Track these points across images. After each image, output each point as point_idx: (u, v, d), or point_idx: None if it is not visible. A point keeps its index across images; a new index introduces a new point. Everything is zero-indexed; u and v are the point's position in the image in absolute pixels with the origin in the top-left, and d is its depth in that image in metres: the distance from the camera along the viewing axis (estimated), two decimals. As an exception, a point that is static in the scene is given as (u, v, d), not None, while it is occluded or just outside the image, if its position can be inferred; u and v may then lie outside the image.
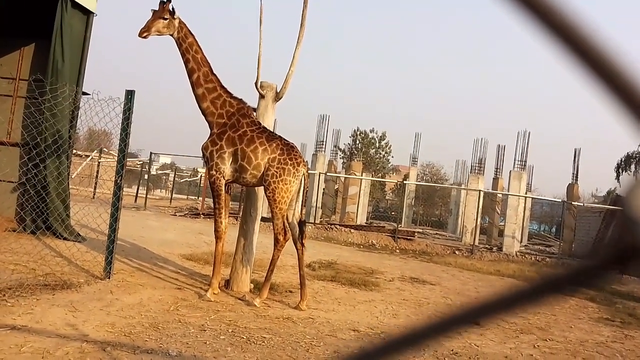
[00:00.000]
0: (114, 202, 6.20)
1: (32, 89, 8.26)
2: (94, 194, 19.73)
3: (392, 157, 37.30)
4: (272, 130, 6.62)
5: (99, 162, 21.87)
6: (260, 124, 6.28)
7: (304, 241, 6.23)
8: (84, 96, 8.40)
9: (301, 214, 6.37)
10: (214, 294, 5.81)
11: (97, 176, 20.69)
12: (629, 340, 6.28)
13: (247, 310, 5.50)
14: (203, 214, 18.42)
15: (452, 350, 4.87)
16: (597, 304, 8.85)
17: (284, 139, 6.18)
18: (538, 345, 5.48)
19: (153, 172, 25.01)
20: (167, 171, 39.23)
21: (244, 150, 5.97)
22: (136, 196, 22.78)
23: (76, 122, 8.68)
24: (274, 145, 6.02)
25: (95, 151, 22.64)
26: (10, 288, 4.90)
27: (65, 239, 8.24)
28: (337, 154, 25.94)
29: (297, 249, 6.19)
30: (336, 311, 6.00)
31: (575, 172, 19.02)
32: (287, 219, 6.16)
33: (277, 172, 5.92)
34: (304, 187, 6.20)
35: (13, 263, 6.11)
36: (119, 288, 5.66)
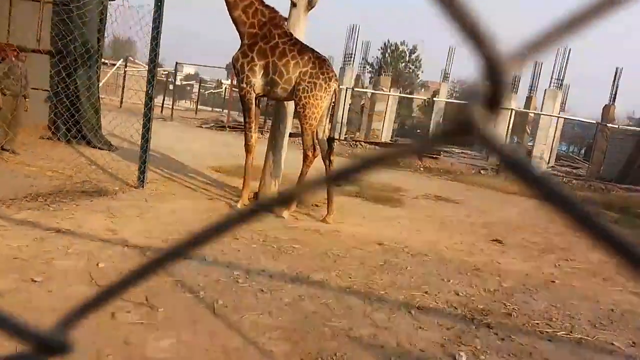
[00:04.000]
0: (145, 113, 6.26)
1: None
2: (121, 103, 19.91)
3: (422, 72, 36.17)
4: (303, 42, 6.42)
5: (125, 71, 21.81)
6: (292, 35, 6.08)
7: (331, 157, 6.26)
8: (112, 2, 8.21)
9: (330, 130, 6.34)
10: (243, 205, 5.99)
11: (123, 85, 20.72)
12: (651, 263, 6.34)
13: (275, 222, 5.68)
14: (229, 126, 18.52)
15: (475, 266, 5.01)
16: (621, 226, 8.78)
17: (316, 52, 6.01)
18: (559, 265, 5.59)
19: (177, 82, 24.88)
20: (191, 82, 39.01)
21: (275, 63, 5.84)
22: (162, 107, 22.88)
23: (104, 29, 8.57)
24: (306, 58, 5.86)
25: (122, 60, 22.50)
26: (51, 194, 5.14)
27: (97, 147, 8.48)
28: (364, 67, 25.24)
29: (325, 165, 6.24)
30: (361, 225, 6.14)
31: (613, 93, 18.23)
32: (317, 136, 6.15)
33: (308, 87, 5.82)
34: (335, 103, 6.12)
35: (50, 170, 6.35)
36: (152, 196, 5.88)
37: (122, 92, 20.22)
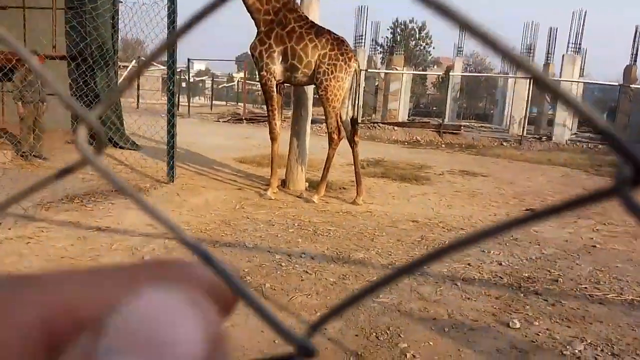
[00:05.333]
0: (169, 109, 6.30)
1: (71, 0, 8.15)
2: (138, 104, 20.07)
3: (433, 48, 35.71)
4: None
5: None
6: (307, 18, 6.03)
7: (356, 139, 6.22)
8: (122, 2, 8.24)
9: (354, 111, 6.30)
10: (273, 192, 6.01)
11: (138, 86, 20.87)
12: (691, 221, 6.20)
13: (307, 207, 5.69)
14: (245, 119, 18.57)
15: (512, 236, 4.95)
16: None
17: (333, 33, 5.95)
18: (597, 229, 5.50)
19: (191, 79, 24.98)
20: (203, 78, 39.10)
21: (293, 48, 5.80)
22: (178, 104, 22.98)
23: (117, 29, 8.60)
24: (324, 40, 5.81)
25: (134, 61, 22.65)
26: (86, 194, 5.22)
27: (122, 147, 8.57)
28: (375, 49, 24.99)
29: (351, 147, 6.21)
30: (392, 204, 6.12)
31: (634, 53, 17.73)
32: (340, 118, 6.12)
33: (328, 69, 5.78)
34: (356, 84, 6.07)
35: (81, 172, 6.43)
36: (183, 190, 5.93)
37: (138, 92, 20.37)
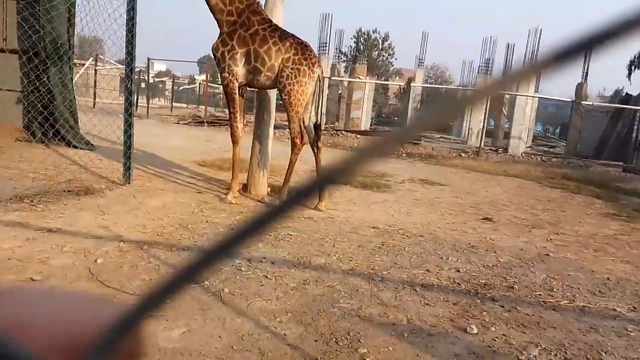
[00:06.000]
0: (126, 107, 6.10)
1: (23, -11, 7.80)
2: (94, 103, 19.45)
3: (395, 59, 36.35)
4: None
5: (95, 70, 21.28)
6: (271, 21, 5.98)
7: (319, 144, 6.21)
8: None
9: (317, 117, 6.29)
10: (234, 197, 5.91)
11: (95, 85, 20.22)
12: (635, 232, 6.50)
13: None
14: (207, 121, 18.29)
15: (469, 244, 5.05)
16: (603, 201, 9.05)
17: (297, 38, 5.93)
18: (550, 239, 5.67)
19: (150, 79, 24.42)
20: (164, 78, 38.32)
21: (257, 50, 5.75)
22: (136, 104, 22.40)
23: (74, 24, 8.29)
24: (288, 44, 5.78)
25: (91, 59, 21.97)
26: (37, 194, 4.97)
27: (75, 147, 8.25)
28: (339, 57, 25.20)
29: (314, 152, 6.19)
30: (353, 211, 6.13)
31: (585, 71, 18.58)
32: (304, 123, 6.09)
33: (292, 74, 5.75)
34: (319, 89, 6.07)
35: (32, 171, 6.15)
36: (140, 192, 5.75)
37: (95, 91, 19.74)
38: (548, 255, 4.93)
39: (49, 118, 7.76)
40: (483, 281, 3.87)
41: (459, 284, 3.75)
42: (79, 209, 4.70)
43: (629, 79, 21.73)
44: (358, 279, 3.64)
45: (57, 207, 4.66)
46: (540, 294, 3.70)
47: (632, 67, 21.48)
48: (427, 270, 4.00)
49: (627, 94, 21.36)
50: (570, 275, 4.27)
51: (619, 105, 19.40)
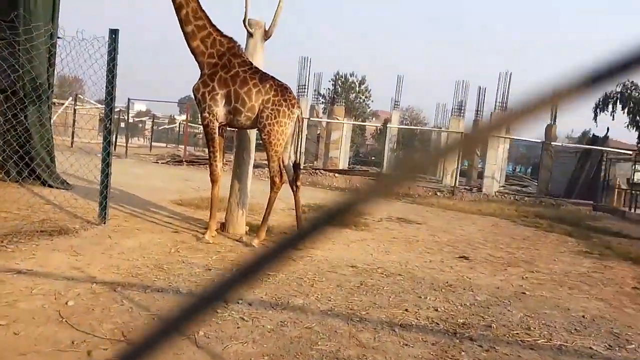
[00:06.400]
0: (104, 147, 6.08)
1: (2, 29, 7.81)
2: (72, 143, 19.25)
3: (372, 101, 37.16)
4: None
5: (74, 110, 21.17)
6: (252, 63, 6.12)
7: (298, 183, 6.25)
8: (64, 38, 7.98)
9: (296, 156, 6.35)
10: (212, 236, 5.85)
11: (73, 124, 20.09)
12: (608, 270, 6.62)
13: (246, 251, 5.58)
14: (186, 161, 18.24)
15: (447, 282, 5.07)
16: (575, 239, 9.23)
17: (277, 80, 6.06)
18: (526, 277, 5.74)
19: (130, 119, 24.39)
20: (144, 118, 38.30)
21: (237, 91, 5.84)
22: (115, 144, 22.24)
23: (54, 63, 8.30)
24: (268, 86, 5.90)
25: (70, 98, 21.90)
26: (8, 234, 4.85)
27: (51, 186, 8.11)
28: (318, 98, 25.67)
29: (293, 191, 6.22)
30: (332, 250, 6.12)
31: (554, 113, 19.26)
32: (283, 162, 6.14)
33: (272, 114, 5.84)
34: (298, 129, 6.16)
35: (4, 211, 6.01)
36: (116, 232, 5.65)
37: (73, 130, 19.58)
38: (524, 293, 4.97)
39: (24, 157, 7.65)
40: (461, 320, 3.88)
41: (438, 324, 3.75)
42: (51, 250, 4.59)
43: (595, 121, 22.62)
44: (337, 319, 3.60)
45: (28, 248, 4.55)
46: (517, 333, 3.72)
47: (597, 110, 22.39)
48: (406, 310, 3.99)
49: (594, 135, 22.18)
50: (547, 314, 4.31)
51: (587, 146, 20.09)
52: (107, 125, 6.06)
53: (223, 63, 5.95)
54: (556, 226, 10.73)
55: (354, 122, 25.66)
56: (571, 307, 4.61)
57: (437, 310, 4.10)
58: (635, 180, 17.06)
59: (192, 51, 6.01)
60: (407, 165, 0.24)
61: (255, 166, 9.50)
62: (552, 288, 5.32)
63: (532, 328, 3.87)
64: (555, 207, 15.71)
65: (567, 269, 6.45)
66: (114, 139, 22.63)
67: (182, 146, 22.33)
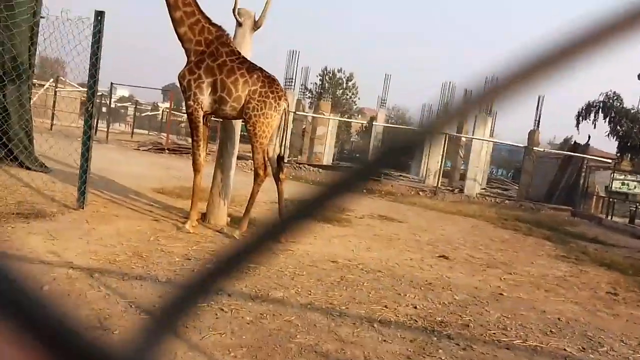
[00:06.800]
0: (85, 131, 5.96)
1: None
2: (52, 125, 18.88)
3: (359, 99, 37.19)
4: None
5: (55, 92, 20.75)
6: (240, 53, 6.05)
7: (282, 176, 6.22)
8: (44, 17, 7.78)
9: (281, 149, 6.32)
10: (192, 226, 5.79)
11: (54, 106, 19.69)
12: (583, 274, 6.73)
13: (227, 242, 5.53)
14: (168, 149, 18.03)
15: (427, 280, 5.09)
16: (553, 243, 9.37)
17: (265, 71, 6.00)
18: (504, 279, 5.80)
19: (112, 104, 24.02)
20: (126, 104, 37.74)
21: (223, 81, 5.77)
22: (96, 129, 21.84)
23: (36, 42, 8.09)
24: (255, 77, 5.84)
25: (51, 80, 21.45)
26: (-18, 216, 4.73)
27: (28, 168, 7.93)
28: (304, 93, 25.60)
29: (276, 184, 6.18)
30: (313, 244, 6.10)
31: (537, 119, 19.53)
32: (267, 154, 6.10)
33: (258, 106, 5.78)
34: (284, 123, 6.12)
35: (-22, 192, 5.86)
36: (94, 218, 5.56)
37: (53, 113, 19.19)
38: (502, 294, 5.02)
39: (2, 137, 7.47)
40: (439, 319, 3.90)
41: (416, 321, 3.76)
42: (27, 233, 4.49)
43: (577, 128, 22.99)
44: (316, 313, 3.59)
45: (3, 230, 4.44)
46: (494, 333, 3.75)
47: (580, 118, 22.76)
48: (385, 306, 4.00)
49: (575, 142, 22.54)
50: (523, 315, 4.36)
51: (568, 153, 20.42)
52: (89, 109, 5.94)
53: (210, 51, 5.87)
54: (535, 230, 10.88)
55: (340, 118, 25.66)
56: (547, 309, 4.68)
57: (415, 307, 4.11)
58: (613, 188, 17.39)
59: (180, 37, 5.92)
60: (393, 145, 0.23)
61: (239, 157, 9.43)
62: (529, 290, 5.38)
63: (508, 328, 3.91)
64: (535, 211, 15.94)
65: (544, 272, 6.54)
66: (95, 124, 22.29)
67: (165, 134, 22.06)
